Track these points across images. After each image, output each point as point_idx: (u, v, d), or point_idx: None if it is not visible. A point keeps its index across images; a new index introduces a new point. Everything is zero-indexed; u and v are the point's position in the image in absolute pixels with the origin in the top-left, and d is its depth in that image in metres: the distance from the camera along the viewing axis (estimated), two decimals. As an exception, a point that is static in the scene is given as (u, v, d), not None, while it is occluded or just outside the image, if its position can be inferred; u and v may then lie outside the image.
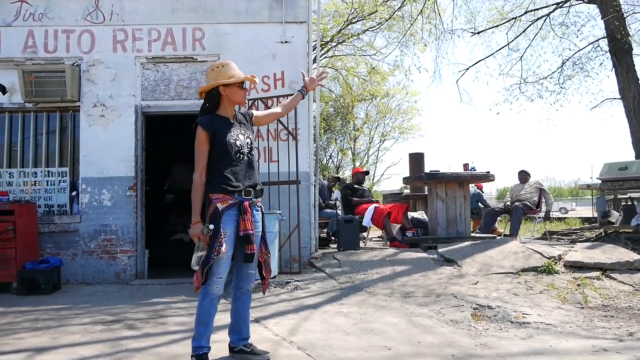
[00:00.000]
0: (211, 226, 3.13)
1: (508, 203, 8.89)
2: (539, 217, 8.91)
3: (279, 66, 7.23)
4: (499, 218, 9.61)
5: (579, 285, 5.81)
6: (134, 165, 7.08)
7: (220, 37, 7.23)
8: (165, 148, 10.30)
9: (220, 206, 3.15)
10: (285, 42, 7.25)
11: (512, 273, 6.13)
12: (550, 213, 9.14)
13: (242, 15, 7.25)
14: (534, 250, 6.69)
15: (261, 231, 3.41)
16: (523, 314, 4.68)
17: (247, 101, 3.35)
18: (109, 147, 7.05)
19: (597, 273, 6.14)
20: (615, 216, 9.30)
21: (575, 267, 6.31)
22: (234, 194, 3.19)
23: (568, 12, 10.48)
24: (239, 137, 3.28)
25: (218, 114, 3.31)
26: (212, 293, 3.18)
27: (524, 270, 6.20)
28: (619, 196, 9.59)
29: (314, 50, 7.43)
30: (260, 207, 3.42)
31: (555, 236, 10.03)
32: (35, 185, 7.26)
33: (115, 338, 4.04)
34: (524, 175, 9.16)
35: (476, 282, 5.80)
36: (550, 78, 10.65)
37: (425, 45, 11.94)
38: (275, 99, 7.02)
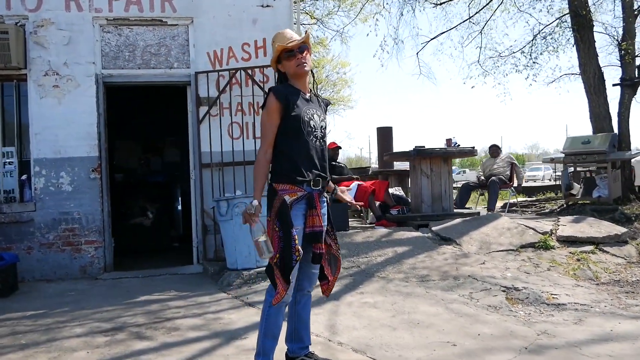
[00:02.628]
0: (255, 202, 2.61)
1: (482, 177, 8.87)
2: (512, 191, 8.99)
3: (260, 32, 6.57)
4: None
5: (578, 260, 5.83)
6: (97, 144, 6.20)
7: (194, -3, 6.42)
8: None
9: (288, 199, 2.64)
10: (267, 6, 6.59)
11: (513, 250, 6.04)
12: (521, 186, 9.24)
13: (217, -26, 6.47)
14: (526, 226, 6.65)
15: (328, 225, 2.91)
16: (552, 294, 4.55)
17: (301, 66, 2.72)
18: (67, 123, 6.10)
19: (591, 247, 6.20)
20: (577, 188, 9.60)
21: (569, 241, 6.34)
22: (302, 185, 2.68)
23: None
24: (313, 116, 2.76)
25: (290, 85, 2.77)
26: (283, 300, 2.67)
27: (523, 246, 6.14)
28: (579, 169, 9.89)
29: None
30: (326, 197, 2.93)
31: (515, 208, 10.22)
32: (-27, 168, 6.17)
33: (132, 353, 3.39)
34: (495, 150, 9.18)
35: (483, 261, 5.64)
36: (522, 53, 10.73)
37: (386, 11, 11.52)
38: (258, 70, 6.38)
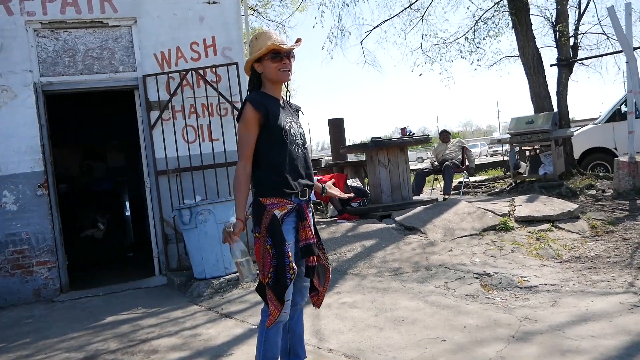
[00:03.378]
0: (233, 219, 2.49)
1: (436, 162, 9.03)
2: (465, 175, 9.21)
3: (208, 31, 6.32)
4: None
5: (537, 239, 6.05)
6: (42, 158, 5.78)
7: (135, -4, 6.08)
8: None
9: (278, 213, 2.50)
10: (213, 2, 6.34)
11: (476, 234, 6.19)
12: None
13: (159, -29, 6.15)
14: (485, 209, 6.84)
15: (316, 234, 2.81)
16: (522, 277, 4.69)
17: (286, 73, 2.56)
18: (6, 138, 5.66)
19: (547, 225, 6.46)
20: (523, 167, 9.98)
21: (526, 221, 6.57)
22: (291, 197, 2.56)
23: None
24: (292, 124, 2.63)
25: (266, 92, 2.61)
26: (280, 320, 2.55)
27: (485, 230, 6.30)
28: (523, 148, 10.28)
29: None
30: (311, 204, 2.83)
31: (467, 190, 10.50)
32: None
33: (114, 384, 3.19)
34: (445, 135, 9.36)
35: (450, 249, 5.74)
36: (466, 39, 10.93)
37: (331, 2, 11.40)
38: (210, 70, 6.15)
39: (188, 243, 5.50)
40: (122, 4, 6.03)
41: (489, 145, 59.67)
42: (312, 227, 2.68)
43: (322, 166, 10.04)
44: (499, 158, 33.09)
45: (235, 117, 2.70)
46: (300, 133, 2.68)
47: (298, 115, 2.85)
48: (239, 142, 2.56)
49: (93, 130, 9.65)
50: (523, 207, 6.99)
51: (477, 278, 4.74)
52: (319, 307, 2.88)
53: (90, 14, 5.95)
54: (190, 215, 5.32)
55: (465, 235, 6.16)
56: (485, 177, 13.63)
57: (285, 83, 2.79)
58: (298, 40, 2.66)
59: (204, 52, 6.30)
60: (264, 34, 2.61)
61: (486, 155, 49.02)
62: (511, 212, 6.80)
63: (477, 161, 25.97)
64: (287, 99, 2.80)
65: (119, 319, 4.69)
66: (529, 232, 6.27)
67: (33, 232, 5.72)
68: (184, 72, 6.05)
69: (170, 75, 6.09)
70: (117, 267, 7.53)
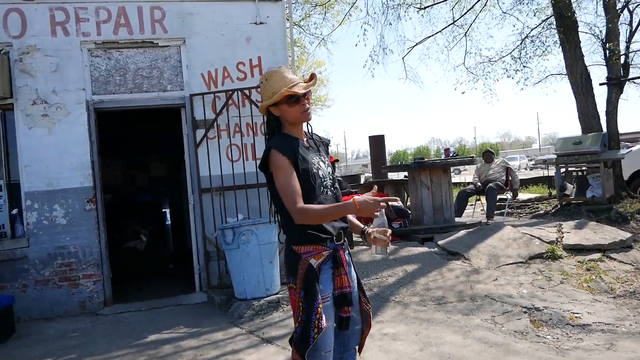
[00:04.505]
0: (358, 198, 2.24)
1: (479, 183, 8.84)
2: (509, 198, 8.99)
3: (254, 51, 6.38)
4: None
5: (588, 269, 5.83)
6: (91, 173, 5.93)
7: (185, 17, 6.20)
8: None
9: (314, 262, 2.34)
10: (261, 23, 6.40)
11: (522, 262, 6.01)
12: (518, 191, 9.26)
13: (208, -8, 6.26)
14: (531, 235, 6.64)
15: (356, 276, 2.70)
16: (573, 313, 4.51)
17: (307, 113, 2.39)
18: (59, 154, 5.82)
19: (598, 255, 6.22)
20: (570, 188, 9.66)
21: (575, 249, 6.34)
22: (326, 242, 2.40)
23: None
24: (320, 165, 2.46)
25: (287, 133, 2.45)
26: None
27: (531, 258, 6.12)
28: (570, 169, 9.96)
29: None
30: (348, 246, 2.70)
31: (510, 210, 10.24)
32: (-41, 204, 5.85)
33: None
34: (489, 155, 9.16)
35: (496, 277, 5.59)
36: (513, 58, 10.73)
37: (373, 19, 11.43)
38: (255, 90, 6.20)
39: (230, 263, 5.52)
40: (172, 24, 6.15)
41: (528, 158, 58.47)
42: (350, 273, 2.56)
43: (362, 182, 9.96)
44: (539, 172, 32.25)
45: (258, 165, 2.52)
46: (329, 172, 2.51)
47: (327, 150, 2.71)
48: (282, 191, 2.31)
49: (137, 142, 9.86)
50: (571, 234, 6.75)
51: (525, 312, 4.58)
52: (359, 353, 2.75)
53: (142, 34, 6.09)
54: (233, 235, 5.34)
55: (511, 263, 5.99)
56: (528, 195, 13.27)
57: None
58: (312, 77, 2.47)
59: (250, 72, 6.36)
60: (276, 74, 2.42)
61: (525, 169, 47.94)
62: (559, 240, 6.57)
63: (518, 176, 25.37)
64: (311, 134, 2.58)
65: (161, 338, 4.74)
66: (579, 262, 6.05)
67: (80, 245, 5.87)
68: (230, 92, 6.12)
69: (216, 94, 6.17)
70: (158, 280, 7.64)
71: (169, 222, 10.69)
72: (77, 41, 5.92)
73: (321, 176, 2.41)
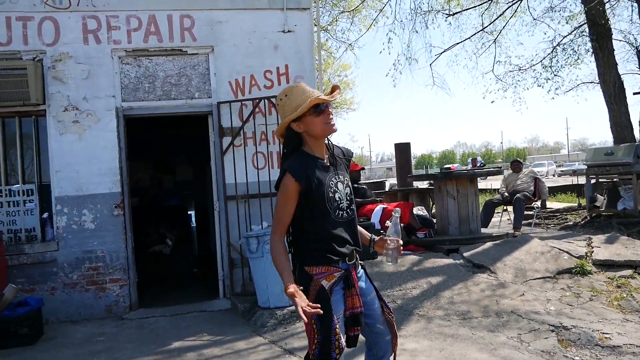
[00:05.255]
0: (291, 288, 2.22)
1: (506, 194, 8.70)
2: (537, 207, 8.83)
3: (282, 59, 6.40)
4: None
5: (618, 286, 5.67)
6: (119, 179, 6.04)
7: (214, 25, 6.26)
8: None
9: (326, 284, 2.34)
10: (288, 31, 6.42)
11: (550, 277, 5.88)
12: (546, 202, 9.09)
13: (238, 1, 6.31)
14: (560, 249, 6.49)
15: (373, 288, 2.67)
16: (603, 334, 4.38)
17: (331, 125, 2.38)
18: (88, 159, 5.94)
19: (629, 271, 6.03)
20: (600, 200, 9.43)
21: (605, 265, 6.18)
22: (338, 263, 2.39)
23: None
24: (337, 186, 2.43)
25: (307, 152, 2.43)
26: None
27: (559, 272, 5.98)
28: (600, 179, 9.73)
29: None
30: (362, 263, 2.63)
31: (538, 221, 10.04)
32: (-7, 207, 6.01)
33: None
34: (517, 165, 9.01)
35: (522, 292, 5.48)
36: (544, 67, 10.54)
37: (400, 28, 11.35)
38: (282, 97, 6.21)
39: (254, 271, 5.54)
40: (201, 33, 6.22)
41: (556, 164, 57.34)
42: (365, 288, 2.54)
43: (386, 189, 9.90)
44: (568, 179, 31.53)
45: (274, 185, 2.52)
46: (347, 193, 2.48)
47: (348, 166, 2.68)
48: (275, 213, 2.36)
49: (165, 146, 10.00)
50: (601, 248, 6.58)
51: (552, 331, 4.47)
52: None
53: (171, 42, 6.17)
54: (257, 243, 5.36)
55: (538, 278, 5.87)
56: (557, 204, 13.01)
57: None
58: (334, 89, 2.46)
59: (277, 80, 6.38)
60: (296, 88, 2.41)
61: (554, 175, 47.03)
62: (588, 254, 6.41)
63: (546, 183, 24.95)
64: (332, 148, 2.53)
65: (185, 345, 4.78)
66: (609, 278, 5.89)
67: (108, 250, 5.97)
68: (257, 100, 6.15)
69: (243, 102, 6.21)
70: (183, 284, 7.72)
71: (194, 224, 10.83)
72: (108, 49, 6.03)
73: (337, 199, 2.41)
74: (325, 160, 2.44)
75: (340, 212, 2.41)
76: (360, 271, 2.56)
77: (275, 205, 2.37)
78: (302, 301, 2.15)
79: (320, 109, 2.34)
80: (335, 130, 2.42)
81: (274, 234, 2.35)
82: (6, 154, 6.10)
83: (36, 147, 6.10)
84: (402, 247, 2.60)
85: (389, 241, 2.48)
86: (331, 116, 2.38)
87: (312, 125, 2.35)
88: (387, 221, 2.64)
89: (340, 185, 2.44)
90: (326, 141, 2.50)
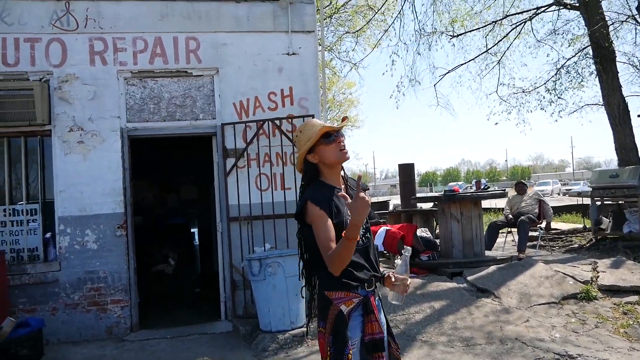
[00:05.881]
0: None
1: (510, 216, 8.65)
2: (541, 230, 8.77)
3: (286, 81, 6.44)
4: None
5: (624, 313, 5.60)
6: (123, 200, 6.03)
7: (219, 48, 6.31)
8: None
9: (345, 309, 2.34)
10: (293, 54, 6.46)
11: (555, 303, 5.82)
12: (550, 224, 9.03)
13: (242, 24, 6.36)
14: (564, 274, 6.44)
15: (385, 322, 2.66)
16: (610, 363, 4.32)
17: (344, 152, 2.42)
18: (92, 180, 5.95)
19: (636, 297, 5.96)
20: (606, 222, 9.36)
21: (611, 290, 6.11)
22: (357, 289, 2.40)
23: (558, 17, 10.46)
24: None
25: (324, 181, 2.48)
26: None
27: (564, 298, 5.92)
28: (605, 202, 9.67)
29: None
30: (378, 294, 2.67)
31: (542, 243, 9.96)
32: (-4, 226, 6.02)
33: None
34: (521, 187, 8.98)
35: (527, 318, 5.42)
36: (547, 90, 10.55)
37: (403, 50, 11.46)
38: (285, 120, 6.24)
39: (256, 294, 5.51)
40: (206, 55, 6.27)
41: (561, 182, 57.06)
42: (380, 319, 2.53)
43: (390, 209, 9.87)
44: (573, 199, 31.31)
45: (294, 215, 2.53)
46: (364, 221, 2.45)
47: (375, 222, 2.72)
48: (319, 239, 2.31)
49: (169, 165, 10.03)
50: (607, 273, 6.51)
51: (558, 360, 4.41)
52: None
53: (176, 64, 6.22)
54: (259, 266, 5.33)
55: (543, 303, 5.81)
56: (562, 224, 12.91)
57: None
58: (344, 119, 2.59)
59: (281, 102, 6.41)
60: (308, 123, 2.51)
61: (558, 194, 46.79)
62: (594, 279, 6.35)
63: (550, 203, 24.77)
64: (347, 180, 2.60)
65: (185, 370, 4.73)
66: (615, 304, 5.82)
67: (110, 271, 5.95)
68: (261, 122, 6.17)
69: (247, 124, 6.23)
70: (185, 304, 7.68)
71: (197, 242, 10.80)
72: (114, 70, 6.08)
73: None
74: (342, 189, 2.47)
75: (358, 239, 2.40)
76: (377, 301, 2.56)
77: (318, 236, 2.30)
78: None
79: (331, 138, 2.41)
80: (348, 158, 2.47)
81: (326, 254, 2.28)
82: (11, 172, 6.12)
83: (41, 166, 6.13)
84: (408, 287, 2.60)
85: (397, 279, 2.46)
86: (343, 144, 2.44)
87: (325, 154, 2.42)
88: (397, 259, 2.63)
89: None
90: (342, 173, 2.57)
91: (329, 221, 2.33)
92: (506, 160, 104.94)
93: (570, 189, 44.65)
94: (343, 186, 2.52)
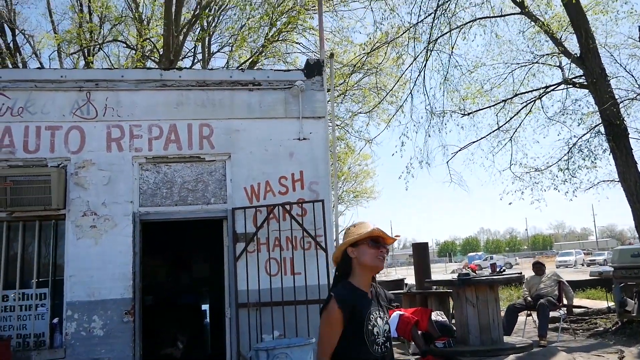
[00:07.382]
0: None
1: (529, 298, 8.37)
2: (562, 314, 8.43)
3: (297, 166, 6.53)
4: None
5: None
6: (132, 285, 6.01)
7: (231, 133, 6.48)
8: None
9: None
10: (303, 139, 6.60)
11: (579, 399, 5.49)
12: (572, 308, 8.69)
13: (255, 110, 6.56)
14: (589, 365, 6.11)
15: None
16: None
17: (381, 260, 2.52)
18: (102, 264, 5.97)
19: (666, 392, 5.61)
20: (631, 305, 8.97)
21: (640, 385, 5.76)
22: None
23: (567, 96, 10.62)
24: (377, 321, 2.49)
25: (353, 283, 2.52)
26: None
27: (590, 393, 5.59)
28: (629, 282, 9.32)
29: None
30: None
31: (565, 325, 9.55)
32: (5, 311, 6.00)
33: None
34: (539, 267, 8.74)
35: (550, 417, 5.09)
36: (560, 170, 10.53)
37: (413, 132, 11.67)
38: (296, 205, 6.26)
39: (262, 386, 5.30)
40: (219, 140, 6.43)
41: (584, 252, 55.44)
42: None
43: (404, 290, 9.64)
44: (596, 268, 30.32)
45: (320, 307, 2.57)
46: (385, 330, 2.53)
47: (389, 307, 2.74)
48: (320, 339, 2.44)
49: (181, 245, 10.03)
50: (635, 365, 6.17)
51: None
52: None
53: (190, 149, 6.38)
54: (267, 357, 5.17)
55: (567, 400, 5.48)
56: (585, 300, 12.42)
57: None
58: (397, 236, 2.65)
59: (292, 186, 6.47)
60: (365, 224, 2.59)
61: (582, 264, 45.43)
62: (621, 372, 6.01)
63: (573, 275, 23.94)
64: (377, 288, 2.66)
65: None
66: (644, 401, 5.46)
67: (115, 358, 5.82)
68: (272, 207, 6.20)
69: (258, 208, 6.26)
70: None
71: (207, 319, 10.57)
72: (129, 156, 6.25)
73: (375, 333, 2.47)
74: (368, 294, 2.55)
75: (376, 347, 2.48)
76: None
77: (320, 331, 2.43)
78: None
79: (378, 244, 2.50)
80: (382, 268, 2.58)
81: (321, 358, 2.42)
82: (24, 255, 6.17)
83: (53, 250, 6.18)
84: None
85: None
86: (384, 255, 2.53)
87: (365, 255, 2.48)
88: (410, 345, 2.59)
89: (380, 321, 2.53)
90: (373, 282, 2.63)
91: (340, 328, 2.40)
92: (526, 229, 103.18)
93: (594, 260, 43.38)
94: (372, 290, 2.58)
